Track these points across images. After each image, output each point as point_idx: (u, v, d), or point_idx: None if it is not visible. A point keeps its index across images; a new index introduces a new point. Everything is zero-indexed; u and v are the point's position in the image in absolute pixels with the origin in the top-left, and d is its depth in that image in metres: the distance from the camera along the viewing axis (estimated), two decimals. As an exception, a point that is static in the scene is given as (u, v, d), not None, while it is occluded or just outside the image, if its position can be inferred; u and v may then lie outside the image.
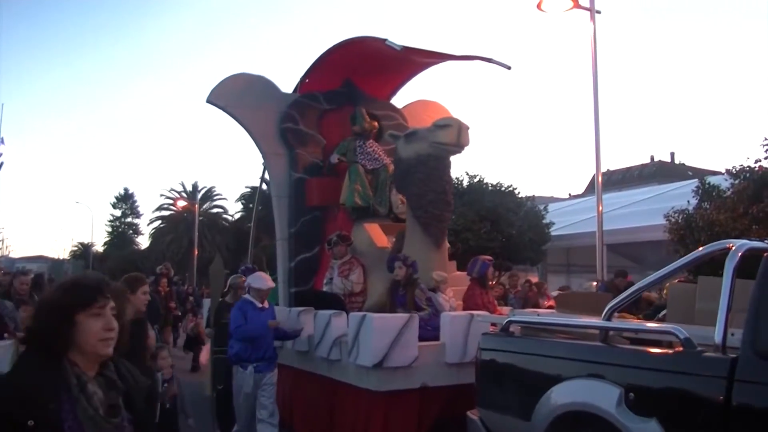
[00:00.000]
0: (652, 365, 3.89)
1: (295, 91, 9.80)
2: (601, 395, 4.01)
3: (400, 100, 10.64)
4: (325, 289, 8.25)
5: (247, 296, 6.86)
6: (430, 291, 7.23)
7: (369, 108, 9.83)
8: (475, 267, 7.53)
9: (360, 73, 9.66)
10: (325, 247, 8.67)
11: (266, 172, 10.08)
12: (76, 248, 68.36)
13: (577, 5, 9.64)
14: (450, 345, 6.40)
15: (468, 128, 7.43)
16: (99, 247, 59.73)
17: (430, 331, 6.67)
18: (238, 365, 6.59)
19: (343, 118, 9.39)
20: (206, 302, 10.44)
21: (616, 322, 4.49)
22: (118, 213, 57.67)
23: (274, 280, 8.00)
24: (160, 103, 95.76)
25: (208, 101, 8.97)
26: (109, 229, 57.62)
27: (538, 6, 9.68)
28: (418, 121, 9.41)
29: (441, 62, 9.07)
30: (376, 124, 9.33)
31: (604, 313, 4.41)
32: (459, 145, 7.40)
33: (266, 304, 6.84)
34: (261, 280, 6.87)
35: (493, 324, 6.66)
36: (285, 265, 9.09)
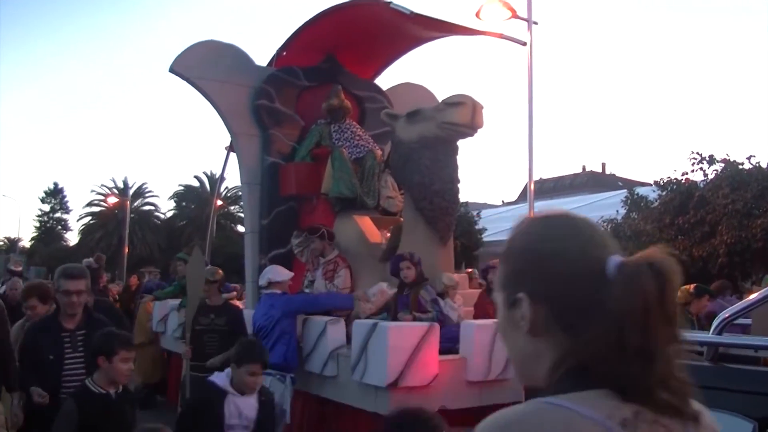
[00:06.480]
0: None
1: (270, 64, 8.63)
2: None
3: (381, 82, 9.61)
4: (306, 291, 7.08)
5: (274, 291, 6.00)
6: (438, 296, 6.16)
7: (351, 88, 8.76)
8: None
9: (344, 48, 8.55)
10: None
11: (230, 157, 8.89)
12: (1, 243, 64.80)
13: (515, 15, 9.51)
14: (472, 360, 5.37)
15: (482, 108, 6.41)
16: (26, 243, 56.71)
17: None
18: (275, 377, 5.39)
19: (323, 99, 8.23)
20: (157, 306, 9.13)
21: (732, 337, 3.58)
22: (46, 208, 54.99)
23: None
24: (92, 94, 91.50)
25: (172, 70, 7.72)
26: (37, 224, 54.91)
27: (477, 14, 9.40)
28: (402, 105, 8.36)
29: (447, 36, 8.07)
30: (349, 104, 8.27)
31: (715, 325, 3.50)
32: (473, 126, 6.37)
33: None
34: (279, 272, 6.10)
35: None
36: (255, 261, 7.92)
